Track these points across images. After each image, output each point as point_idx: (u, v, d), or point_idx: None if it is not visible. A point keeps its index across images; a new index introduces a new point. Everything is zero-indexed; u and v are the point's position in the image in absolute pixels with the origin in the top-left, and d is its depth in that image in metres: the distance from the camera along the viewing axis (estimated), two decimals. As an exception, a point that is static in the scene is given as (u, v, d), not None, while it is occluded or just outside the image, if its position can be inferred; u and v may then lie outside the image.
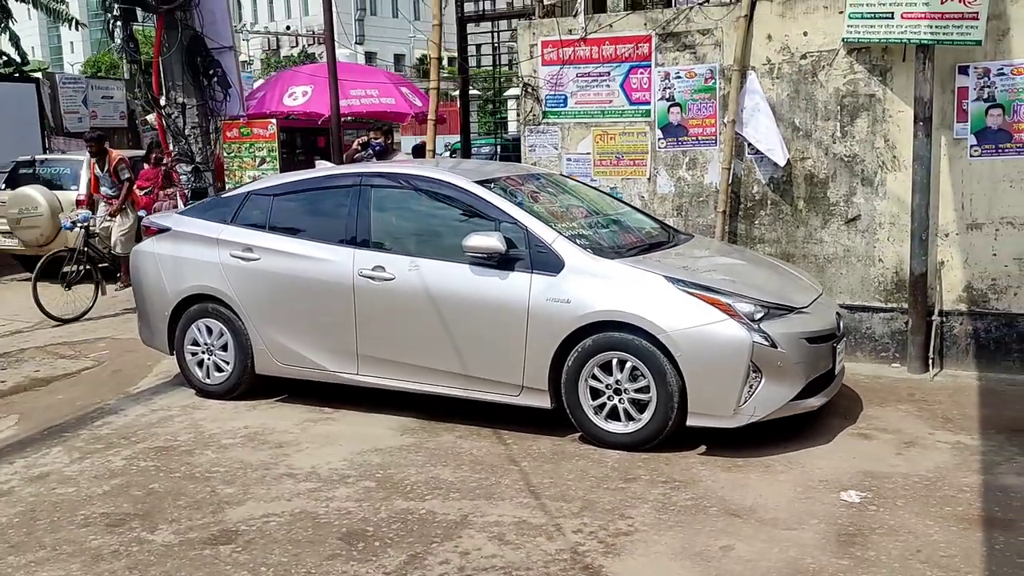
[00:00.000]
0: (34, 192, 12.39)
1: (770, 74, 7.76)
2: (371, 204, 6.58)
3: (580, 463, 5.53)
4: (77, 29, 21.70)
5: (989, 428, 5.97)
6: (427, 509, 4.94)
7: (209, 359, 7.06)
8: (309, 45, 53.35)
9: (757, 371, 5.44)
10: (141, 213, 10.67)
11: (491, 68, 12.35)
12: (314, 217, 6.84)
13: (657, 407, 5.57)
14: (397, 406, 6.57)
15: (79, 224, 10.66)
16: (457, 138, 17.21)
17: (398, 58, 60.97)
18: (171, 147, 10.20)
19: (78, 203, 12.26)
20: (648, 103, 8.22)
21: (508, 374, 5.98)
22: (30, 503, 5.22)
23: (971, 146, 7.15)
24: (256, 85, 18.98)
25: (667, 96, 8.13)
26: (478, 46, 11.67)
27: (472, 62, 11.83)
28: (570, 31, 8.42)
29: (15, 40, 20.21)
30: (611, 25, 8.29)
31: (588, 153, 8.49)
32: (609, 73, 8.31)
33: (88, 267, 10.61)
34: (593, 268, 5.82)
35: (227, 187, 10.32)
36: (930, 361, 7.26)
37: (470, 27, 11.19)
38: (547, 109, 8.59)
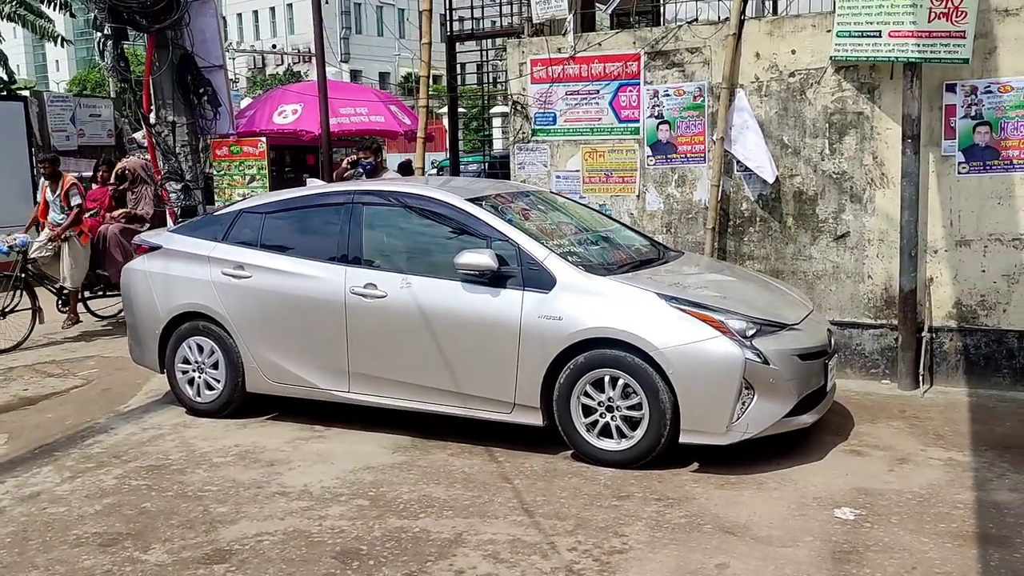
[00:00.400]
0: None
1: (758, 92, 7.81)
2: (362, 222, 6.59)
3: (573, 480, 5.52)
4: (62, 46, 21.64)
5: (980, 444, 6.00)
6: (421, 527, 4.93)
7: (200, 377, 7.04)
8: (295, 63, 53.36)
9: (749, 388, 5.46)
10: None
11: (477, 86, 12.39)
12: (305, 235, 6.83)
13: (650, 424, 5.58)
14: (389, 424, 6.56)
15: (16, 249, 10.07)
16: (443, 155, 17.27)
17: (383, 76, 61.07)
18: (161, 165, 10.17)
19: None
20: (637, 121, 8.25)
21: (500, 391, 5.97)
22: (22, 523, 5.18)
23: (959, 163, 7.21)
24: (243, 103, 18.98)
25: (656, 114, 8.17)
26: (463, 64, 11.70)
27: (459, 80, 11.85)
28: (559, 49, 8.46)
29: (3, 59, 20.17)
30: (600, 44, 8.34)
31: (577, 170, 8.52)
32: (598, 91, 8.35)
33: (25, 294, 10.03)
34: (585, 285, 5.83)
35: (216, 205, 10.28)
36: (920, 377, 7.29)
37: (457, 45, 11.24)
38: (536, 127, 8.62)
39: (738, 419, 5.46)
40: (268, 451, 6.25)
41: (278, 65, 54.91)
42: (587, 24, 9.13)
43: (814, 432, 6.07)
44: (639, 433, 5.62)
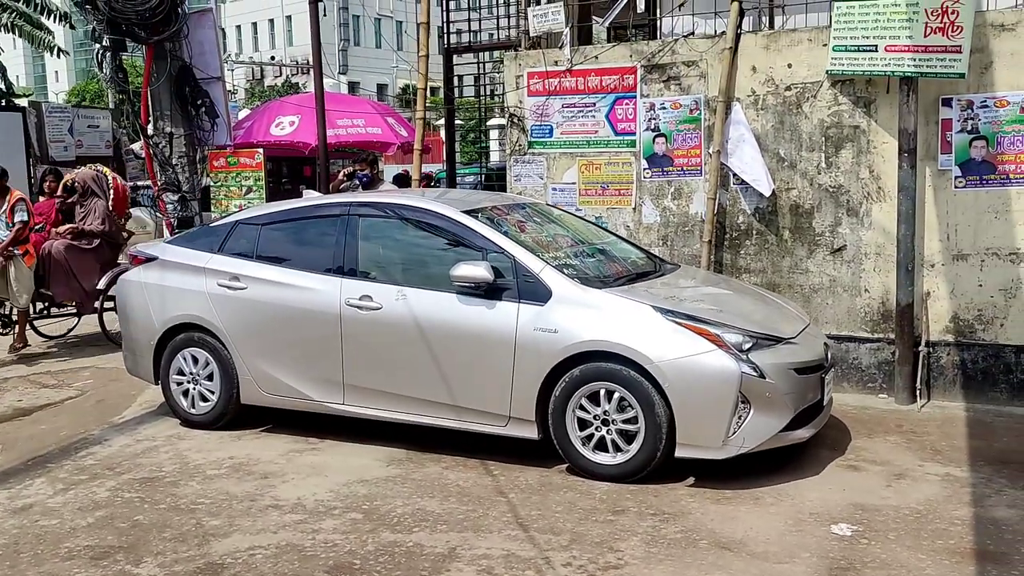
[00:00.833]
0: None
1: (755, 105, 7.82)
2: (358, 233, 6.57)
3: (568, 495, 5.49)
4: (60, 57, 21.67)
5: (978, 460, 5.97)
6: (414, 542, 4.90)
7: (195, 389, 7.01)
8: (293, 75, 53.47)
9: (746, 402, 5.43)
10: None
11: (475, 98, 12.40)
12: (301, 246, 6.82)
13: (645, 438, 5.55)
14: (383, 436, 6.53)
15: None
16: (440, 167, 17.26)
17: (381, 88, 61.21)
18: (158, 176, 10.15)
19: None
20: (633, 134, 8.25)
21: (495, 404, 5.95)
22: (13, 535, 5.15)
23: (955, 177, 7.20)
24: (241, 115, 18.99)
25: (652, 127, 8.17)
26: (460, 77, 11.72)
27: (456, 92, 11.86)
28: (556, 62, 8.46)
29: (2, 70, 20.19)
30: (596, 57, 8.34)
31: (573, 183, 8.51)
32: (595, 104, 8.35)
33: None
34: (580, 298, 5.81)
35: (211, 216, 10.25)
36: (917, 392, 7.27)
37: (455, 58, 11.26)
38: (533, 139, 8.61)
39: (734, 433, 5.44)
40: (262, 463, 6.21)
41: (277, 77, 55.02)
42: (584, 37, 9.14)
43: (811, 447, 6.04)
44: (635, 447, 5.59)
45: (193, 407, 7.04)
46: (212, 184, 10.60)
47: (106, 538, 5.07)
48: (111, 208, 10.47)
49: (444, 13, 11.16)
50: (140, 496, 5.68)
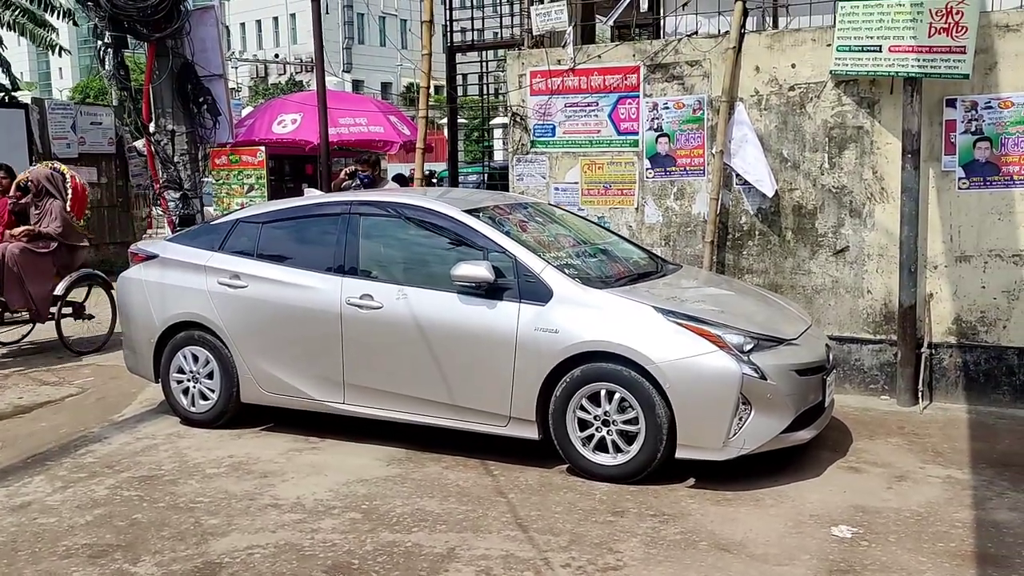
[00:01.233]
0: None
1: (758, 105, 7.79)
2: (359, 232, 6.56)
3: (568, 495, 5.47)
4: (61, 55, 21.66)
5: (980, 462, 5.95)
6: (413, 542, 4.88)
7: (195, 387, 7.00)
8: (297, 73, 53.49)
9: (747, 403, 5.41)
10: None
11: (478, 97, 12.38)
12: (302, 245, 6.80)
13: (646, 439, 5.53)
14: (383, 436, 6.51)
15: None
16: (443, 166, 17.27)
17: (385, 86, 61.20)
18: (160, 174, 10.14)
19: None
20: (636, 133, 8.23)
21: (495, 404, 5.93)
22: (11, 533, 5.13)
23: (959, 178, 7.18)
24: (245, 112, 18.98)
25: (655, 126, 8.15)
26: (464, 76, 11.70)
27: (459, 91, 11.84)
28: (559, 61, 8.44)
29: (6, 66, 20.17)
30: (600, 56, 8.32)
31: (576, 182, 8.49)
32: (597, 103, 8.33)
33: None
34: (581, 298, 5.79)
35: (207, 215, 10.22)
36: (919, 394, 7.25)
37: (458, 56, 11.24)
38: (535, 138, 8.59)
39: (735, 434, 5.42)
40: (262, 462, 6.20)
41: (281, 75, 55.05)
42: (587, 36, 9.12)
43: (812, 448, 6.02)
44: (635, 448, 5.57)
45: (193, 405, 7.03)
46: (214, 182, 10.58)
47: (104, 536, 5.06)
48: (68, 209, 9.83)
49: (447, 11, 11.14)
50: (139, 494, 5.67)
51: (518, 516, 5.18)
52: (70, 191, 9.93)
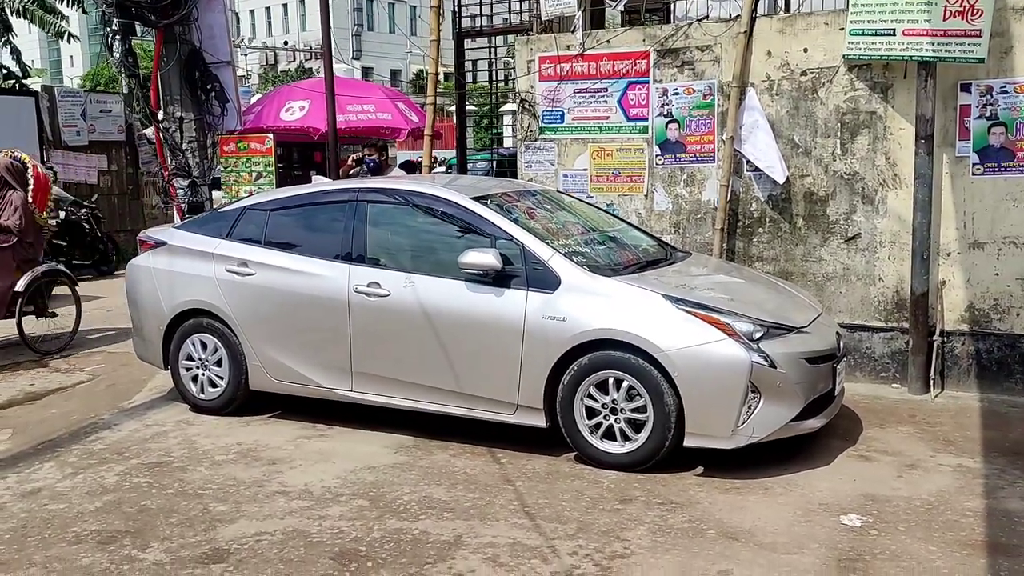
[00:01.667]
0: None
1: (769, 91, 7.73)
2: (367, 220, 6.53)
3: (575, 483, 5.46)
4: (70, 42, 21.69)
5: (992, 451, 5.91)
6: (420, 529, 4.87)
7: (203, 374, 7.01)
8: (306, 60, 53.43)
9: (756, 391, 5.38)
10: None
11: (487, 83, 12.32)
12: (310, 232, 6.79)
13: (654, 427, 5.51)
14: (391, 423, 6.51)
15: None
16: (452, 153, 17.19)
17: (394, 73, 61.13)
18: (168, 161, 10.13)
19: None
20: (646, 119, 8.18)
21: (503, 392, 5.91)
22: (21, 519, 5.15)
23: (973, 164, 7.11)
24: (254, 99, 18.97)
25: (665, 112, 8.09)
26: (474, 62, 11.64)
27: (468, 77, 11.79)
28: (568, 47, 8.39)
29: (16, 54, 20.21)
30: (609, 41, 8.27)
31: (585, 169, 8.45)
32: (607, 89, 8.28)
33: None
34: (589, 286, 5.76)
35: (216, 203, 10.17)
36: (931, 382, 7.20)
37: (467, 42, 11.17)
38: (544, 125, 8.55)
39: (744, 423, 5.39)
40: (270, 449, 6.20)
41: (290, 62, 55.01)
42: (596, 21, 9.04)
43: (821, 437, 5.99)
44: (643, 436, 5.55)
45: (202, 392, 7.03)
46: (223, 170, 10.56)
47: (113, 523, 5.06)
48: (31, 200, 9.20)
49: (456, -3, 11.06)
50: (148, 481, 5.68)
51: (525, 504, 5.16)
52: (32, 181, 9.35)
